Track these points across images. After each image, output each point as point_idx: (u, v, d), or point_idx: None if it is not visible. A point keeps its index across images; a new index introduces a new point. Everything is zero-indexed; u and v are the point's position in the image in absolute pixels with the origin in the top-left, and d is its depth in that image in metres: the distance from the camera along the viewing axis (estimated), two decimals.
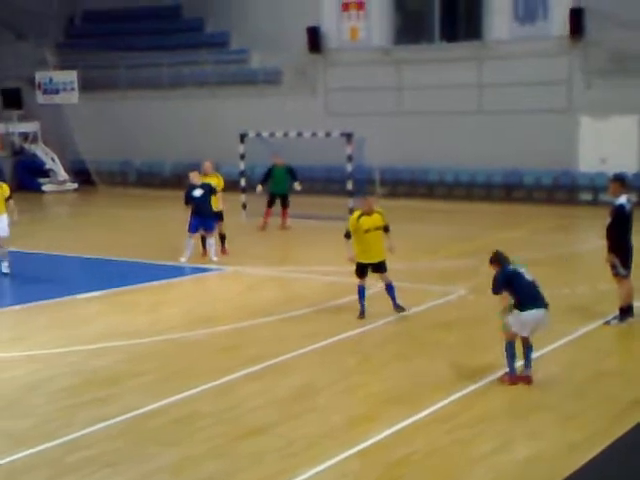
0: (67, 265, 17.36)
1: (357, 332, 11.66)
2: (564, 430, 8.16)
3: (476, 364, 10.13)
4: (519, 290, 9.32)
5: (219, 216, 17.22)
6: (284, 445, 7.89)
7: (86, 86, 30.98)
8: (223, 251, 17.14)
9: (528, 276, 9.47)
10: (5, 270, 15.70)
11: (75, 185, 30.85)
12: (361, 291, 12.25)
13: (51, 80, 31.72)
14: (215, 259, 16.42)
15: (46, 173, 30.83)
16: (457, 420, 8.41)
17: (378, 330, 11.85)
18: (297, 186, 20.63)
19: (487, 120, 25.05)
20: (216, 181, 17.40)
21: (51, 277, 16.16)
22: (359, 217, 12.12)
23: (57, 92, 31.56)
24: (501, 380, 9.42)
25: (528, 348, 9.43)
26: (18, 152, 31.60)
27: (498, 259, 9.53)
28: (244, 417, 8.73)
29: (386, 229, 12.33)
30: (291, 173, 20.66)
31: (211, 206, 16.49)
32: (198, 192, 16.27)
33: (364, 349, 11.10)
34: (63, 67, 31.75)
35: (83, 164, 31.37)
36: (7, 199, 16.01)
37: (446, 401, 8.88)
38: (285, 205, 20.59)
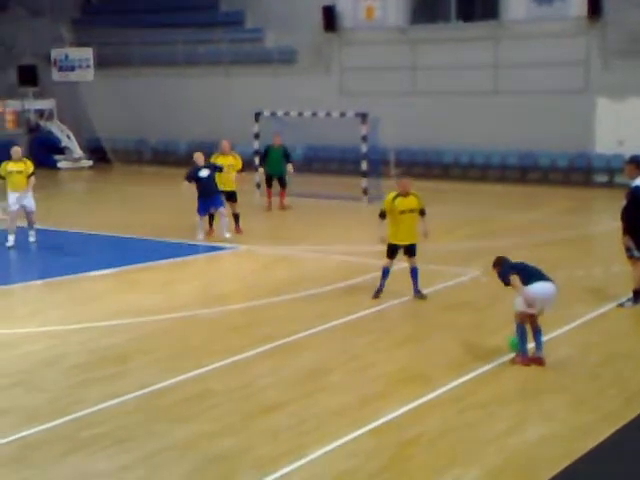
0: (81, 242, 17.42)
1: (369, 312, 11.65)
2: (577, 412, 8.14)
3: (489, 345, 10.11)
4: (523, 269, 9.48)
5: (233, 196, 17.27)
6: (296, 423, 7.92)
7: (101, 63, 30.97)
8: (237, 230, 17.13)
9: (536, 266, 9.55)
10: (32, 239, 16.62)
11: (90, 162, 30.92)
12: (385, 272, 12.18)
13: (67, 57, 31.71)
14: (228, 235, 16.50)
15: (61, 150, 30.89)
16: (469, 400, 8.41)
17: (391, 310, 11.84)
18: (290, 168, 20.42)
19: (503, 101, 24.88)
20: (233, 161, 17.52)
21: (65, 253, 16.24)
22: (394, 198, 11.97)
23: (72, 69, 31.57)
24: (514, 361, 9.41)
25: (537, 331, 9.40)
26: (34, 129, 31.67)
27: (500, 261, 9.69)
28: (256, 395, 8.75)
29: (422, 212, 12.14)
30: (285, 154, 20.49)
31: (216, 184, 16.58)
32: (204, 172, 16.37)
33: (376, 329, 11.09)
34: (79, 44, 31.75)
35: (98, 141, 31.43)
36: (29, 175, 16.60)
37: (458, 381, 8.88)
38: (282, 185, 20.53)
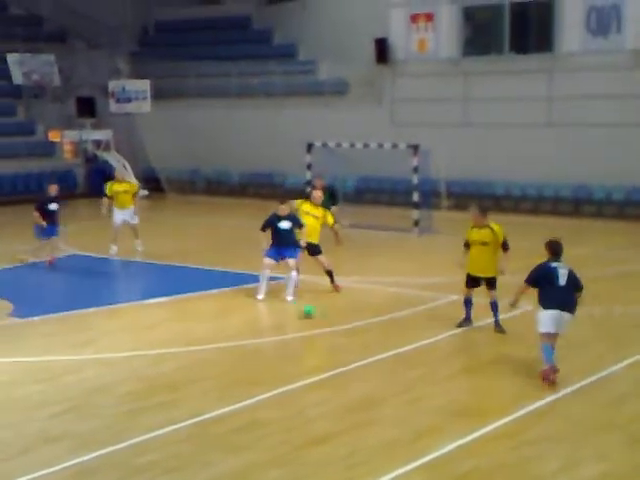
0: (135, 270, 17.66)
1: (421, 344, 11.59)
2: (632, 451, 7.99)
3: (541, 381, 9.96)
4: (544, 291, 10.00)
5: (318, 250, 14.99)
6: (347, 455, 7.90)
7: (157, 95, 31.54)
8: (335, 287, 14.95)
9: (562, 280, 10.00)
10: (139, 248, 18.43)
11: (145, 192, 31.36)
12: (465, 301, 12.33)
13: (124, 89, 32.38)
14: (289, 299, 14.22)
15: None
16: (523, 437, 8.30)
17: (443, 343, 11.77)
18: (334, 210, 18.57)
19: (556, 133, 24.72)
20: (321, 213, 15.35)
21: (119, 282, 16.48)
22: (472, 228, 12.29)
23: (129, 101, 32.20)
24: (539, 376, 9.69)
25: (550, 347, 9.85)
26: (91, 159, 32.26)
27: (551, 247, 10.39)
28: (306, 426, 8.76)
29: (504, 246, 12.12)
30: (332, 195, 19.42)
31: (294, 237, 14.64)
32: (285, 224, 14.47)
33: (428, 361, 11.02)
34: (136, 76, 32.42)
35: (153, 172, 31.92)
36: (134, 195, 18.96)
37: (512, 417, 8.77)
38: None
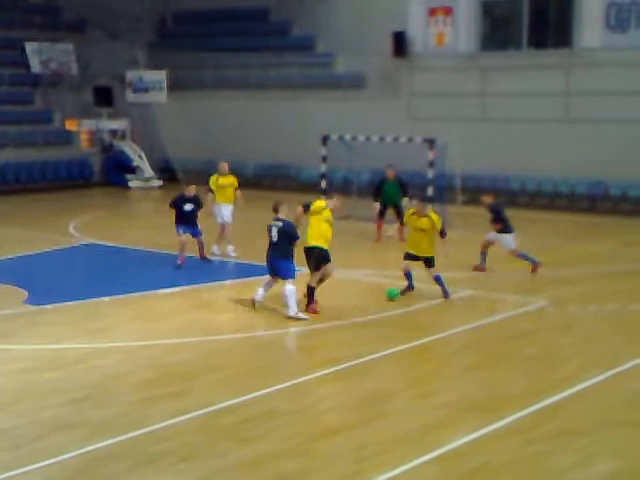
0: (150, 260, 17.72)
1: (433, 339, 11.60)
2: None
3: (555, 376, 9.98)
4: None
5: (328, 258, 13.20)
6: (359, 447, 7.93)
7: (174, 86, 31.63)
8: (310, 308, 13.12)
9: None
10: (233, 253, 17.37)
11: (160, 182, 31.48)
12: (406, 274, 14.05)
13: (141, 79, 32.50)
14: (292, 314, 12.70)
15: (133, 169, 31.52)
16: (535, 432, 8.30)
17: (454, 338, 11.77)
18: (405, 202, 19.35)
19: (573, 129, 24.60)
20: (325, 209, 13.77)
21: (135, 271, 16.55)
22: (412, 215, 14.26)
23: (146, 91, 32.32)
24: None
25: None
26: (107, 148, 32.41)
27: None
28: (319, 418, 8.80)
29: (441, 233, 13.88)
30: (402, 188, 19.66)
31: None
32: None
33: (439, 356, 11.04)
34: (153, 66, 32.50)
35: (169, 162, 31.98)
36: (236, 188, 17.79)
37: (524, 413, 8.77)
38: (398, 216, 19.06)
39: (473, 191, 25.61)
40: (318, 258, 12.83)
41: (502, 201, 25.33)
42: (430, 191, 21.67)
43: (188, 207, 16.49)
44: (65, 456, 7.75)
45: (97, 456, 7.81)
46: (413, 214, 14.06)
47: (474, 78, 26.28)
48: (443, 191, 22.47)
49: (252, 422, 8.60)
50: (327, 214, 13.10)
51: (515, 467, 7.55)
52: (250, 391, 9.40)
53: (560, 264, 16.95)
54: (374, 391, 9.47)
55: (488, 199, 16.68)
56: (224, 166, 17.86)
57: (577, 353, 11.00)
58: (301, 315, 12.55)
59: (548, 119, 24.97)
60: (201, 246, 16.87)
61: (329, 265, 13.03)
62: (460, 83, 26.29)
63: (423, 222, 13.78)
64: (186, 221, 16.48)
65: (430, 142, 21.55)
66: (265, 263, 13.03)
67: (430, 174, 21.66)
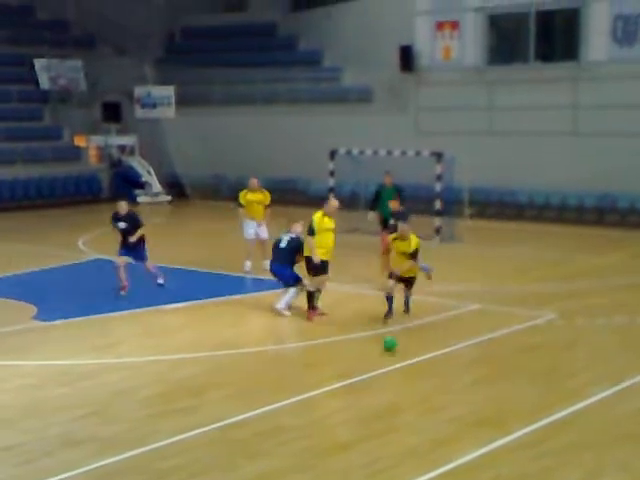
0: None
1: (441, 352, 11.58)
2: None
3: (564, 390, 9.95)
4: None
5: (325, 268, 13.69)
6: (368, 463, 7.91)
7: (182, 101, 31.78)
8: (309, 315, 13.58)
9: None
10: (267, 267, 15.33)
11: (169, 198, 31.57)
12: (387, 297, 13.30)
13: (149, 95, 32.68)
14: (279, 307, 13.74)
15: (142, 185, 31.62)
16: (544, 446, 8.27)
17: (463, 352, 11.74)
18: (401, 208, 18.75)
19: (581, 142, 24.61)
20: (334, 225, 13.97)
21: (142, 286, 16.55)
22: (394, 240, 13.57)
23: (154, 106, 32.50)
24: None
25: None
26: (116, 164, 32.53)
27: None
28: (328, 433, 8.78)
29: (412, 256, 13.29)
30: (399, 195, 19.36)
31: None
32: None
33: (448, 370, 11.01)
34: (161, 82, 32.67)
35: (177, 177, 32.11)
36: (267, 206, 17.53)
37: (533, 427, 8.74)
38: (395, 225, 19.35)
39: (481, 204, 25.69)
40: (316, 267, 13.32)
41: (510, 214, 25.55)
42: (438, 205, 21.68)
43: (122, 225, 15.30)
44: (73, 472, 7.74)
45: (106, 472, 7.80)
46: (396, 239, 13.39)
47: (481, 91, 26.34)
48: (451, 204, 22.48)
49: (261, 437, 8.59)
50: (328, 223, 13.52)
51: None
52: (259, 406, 9.39)
53: (568, 277, 16.92)
54: (383, 405, 9.45)
55: (395, 205, 17.48)
56: (253, 182, 17.74)
57: (585, 367, 10.96)
58: (285, 312, 13.50)
59: (555, 132, 25.00)
60: (149, 271, 15.59)
61: (323, 276, 13.50)
62: (467, 97, 26.35)
63: (404, 245, 13.23)
64: (125, 242, 15.27)
65: (438, 156, 21.58)
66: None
67: (438, 187, 21.68)
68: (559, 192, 25.04)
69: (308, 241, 13.40)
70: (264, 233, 17.32)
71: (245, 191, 17.74)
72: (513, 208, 25.93)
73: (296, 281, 13.68)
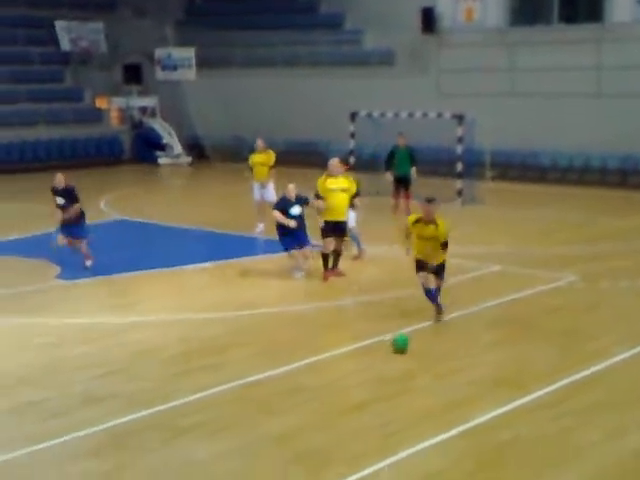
0: (178, 236, 17.83)
1: (461, 314, 11.56)
2: None
3: (586, 351, 9.93)
4: None
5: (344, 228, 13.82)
6: (385, 422, 7.96)
7: (203, 63, 31.67)
8: (337, 272, 13.72)
9: None
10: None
11: (189, 159, 31.60)
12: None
13: (170, 56, 32.59)
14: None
15: (162, 147, 31.66)
16: (565, 407, 8.27)
17: (482, 313, 11.72)
18: (413, 172, 19.73)
19: (604, 104, 24.28)
20: (349, 184, 13.90)
21: (164, 246, 16.66)
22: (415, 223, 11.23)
23: (175, 68, 32.43)
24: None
25: None
26: (137, 126, 32.56)
27: None
28: (346, 392, 8.83)
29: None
30: (411, 156, 19.81)
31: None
32: (297, 210, 13.63)
33: (468, 331, 11.00)
34: (182, 44, 32.55)
35: (197, 139, 32.09)
36: (271, 167, 17.32)
37: (553, 387, 8.74)
38: (406, 187, 19.68)
39: (502, 167, 25.50)
40: (323, 230, 13.56)
41: (532, 177, 25.35)
42: (459, 167, 21.55)
43: (60, 201, 14.18)
44: (96, 429, 7.85)
45: (130, 428, 7.91)
46: (418, 221, 11.12)
47: (503, 53, 25.99)
48: (472, 167, 22.32)
49: (281, 396, 8.66)
50: (332, 184, 13.61)
51: (544, 441, 7.54)
52: (279, 365, 9.45)
53: (591, 239, 16.80)
54: (401, 367, 9.46)
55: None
56: (259, 143, 17.63)
57: (607, 329, 10.92)
58: (297, 274, 13.58)
59: (579, 94, 24.66)
60: (83, 250, 14.26)
61: (328, 239, 13.52)
62: (489, 58, 26.02)
63: (429, 230, 11.01)
64: (63, 218, 14.11)
65: (459, 118, 21.40)
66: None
67: (459, 150, 21.53)
68: (582, 154, 24.78)
69: (313, 204, 13.61)
70: (269, 195, 17.12)
71: (253, 153, 17.67)
72: (535, 170, 25.71)
73: (285, 249, 13.86)
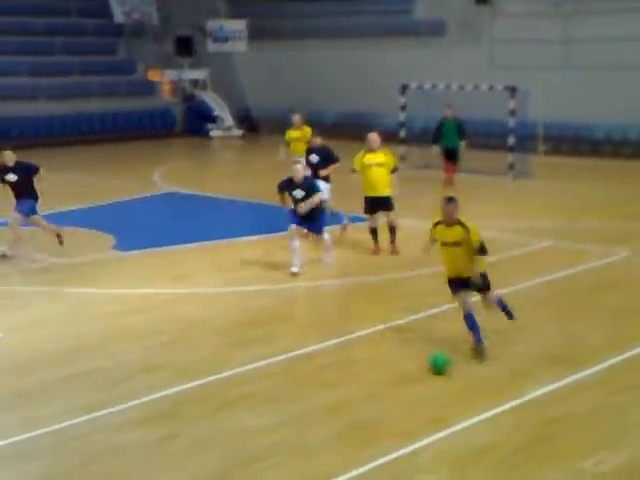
0: (229, 208, 17.97)
1: (512, 289, 11.48)
2: None
3: (638, 328, 9.83)
4: None
5: (390, 204, 13.65)
6: (438, 395, 8.00)
7: (254, 35, 31.69)
8: (393, 249, 13.62)
9: None
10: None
11: (240, 132, 31.72)
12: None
13: (221, 29, 32.67)
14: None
15: (214, 119, 31.83)
16: (618, 383, 8.22)
17: (535, 289, 11.65)
18: (463, 144, 19.74)
19: None
20: (386, 159, 13.57)
21: (216, 219, 16.82)
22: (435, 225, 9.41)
23: (226, 40, 32.52)
24: None
25: None
26: (188, 98, 32.78)
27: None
28: (397, 365, 8.86)
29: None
30: (459, 128, 19.75)
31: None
32: (300, 193, 12.62)
33: (520, 307, 10.87)
34: (233, 16, 32.58)
35: (248, 111, 32.19)
36: (307, 143, 16.69)
37: (606, 364, 8.68)
38: (454, 159, 19.71)
39: (556, 140, 25.16)
40: (367, 205, 13.56)
41: (585, 150, 24.97)
42: (511, 140, 21.32)
43: (11, 178, 13.30)
44: (149, 397, 8.01)
45: (184, 397, 8.07)
46: (438, 224, 9.25)
47: (558, 24, 25.55)
48: (524, 140, 22.09)
49: (332, 367, 8.74)
50: (370, 159, 13.42)
51: (596, 417, 7.52)
52: (331, 337, 9.53)
53: None
54: (452, 340, 9.46)
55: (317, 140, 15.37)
56: (296, 118, 17.40)
57: None
58: (327, 258, 12.92)
59: (634, 65, 24.16)
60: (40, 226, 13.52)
61: (373, 215, 13.63)
62: (543, 29, 25.60)
63: (453, 233, 9.11)
64: (17, 197, 13.29)
65: (512, 90, 21.14)
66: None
67: (511, 123, 21.31)
68: (636, 127, 24.33)
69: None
70: (308, 171, 16.83)
71: (290, 129, 17.41)
72: (589, 144, 25.33)
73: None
